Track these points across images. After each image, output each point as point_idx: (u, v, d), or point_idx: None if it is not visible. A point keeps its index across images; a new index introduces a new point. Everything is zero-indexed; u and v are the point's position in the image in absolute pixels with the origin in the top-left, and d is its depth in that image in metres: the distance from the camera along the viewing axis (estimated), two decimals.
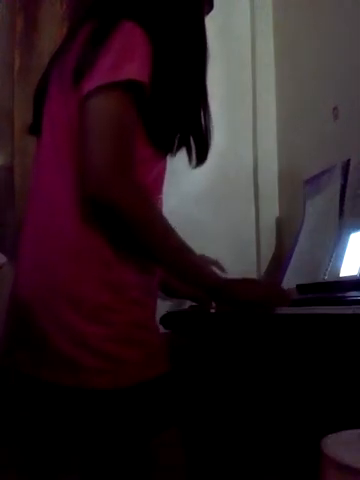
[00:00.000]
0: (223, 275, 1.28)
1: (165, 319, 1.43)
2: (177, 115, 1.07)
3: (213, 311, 1.48)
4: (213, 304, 1.40)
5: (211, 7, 1.21)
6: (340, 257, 1.44)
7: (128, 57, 0.97)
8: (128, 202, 0.95)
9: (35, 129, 1.15)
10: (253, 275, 2.03)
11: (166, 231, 1.02)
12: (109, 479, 1.02)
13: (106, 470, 1.02)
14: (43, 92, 1.11)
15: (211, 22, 1.19)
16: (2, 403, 1.21)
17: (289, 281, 1.62)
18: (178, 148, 1.11)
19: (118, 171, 0.94)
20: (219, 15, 1.24)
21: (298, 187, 1.86)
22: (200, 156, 1.12)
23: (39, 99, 1.13)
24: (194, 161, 1.13)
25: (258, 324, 1.19)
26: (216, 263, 1.40)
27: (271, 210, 2.17)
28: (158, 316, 1.20)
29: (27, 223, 1.10)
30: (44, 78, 1.14)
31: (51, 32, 1.79)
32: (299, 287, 1.46)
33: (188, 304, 1.57)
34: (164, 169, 1.12)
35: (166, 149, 1.08)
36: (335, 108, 1.80)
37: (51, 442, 1.08)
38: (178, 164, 1.14)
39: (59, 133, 1.05)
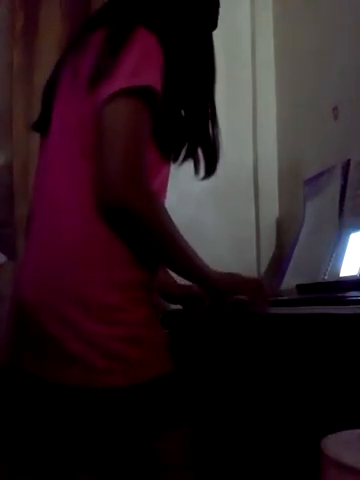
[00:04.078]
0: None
1: (164, 319, 1.43)
2: (185, 123, 1.09)
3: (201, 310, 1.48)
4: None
5: (214, 26, 1.21)
6: (340, 257, 1.44)
7: (146, 64, 0.99)
8: (144, 209, 0.98)
9: (41, 127, 1.15)
10: (253, 275, 2.03)
11: (175, 234, 1.05)
12: (118, 477, 1.03)
13: (115, 469, 1.02)
14: (52, 91, 1.12)
15: None
16: (6, 402, 1.21)
17: (289, 281, 1.63)
18: (185, 159, 1.12)
19: (135, 179, 0.96)
20: (219, 15, 1.24)
21: (298, 187, 1.86)
22: (209, 168, 1.14)
23: (47, 98, 1.14)
24: (202, 173, 1.14)
25: (257, 324, 1.19)
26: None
27: (271, 210, 2.17)
28: None
29: (33, 222, 1.10)
30: (53, 78, 1.14)
31: (50, 31, 1.79)
32: (299, 287, 1.46)
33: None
34: (168, 173, 1.13)
35: (172, 156, 1.10)
36: (335, 108, 1.80)
37: (59, 442, 1.08)
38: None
39: (69, 134, 1.05)
